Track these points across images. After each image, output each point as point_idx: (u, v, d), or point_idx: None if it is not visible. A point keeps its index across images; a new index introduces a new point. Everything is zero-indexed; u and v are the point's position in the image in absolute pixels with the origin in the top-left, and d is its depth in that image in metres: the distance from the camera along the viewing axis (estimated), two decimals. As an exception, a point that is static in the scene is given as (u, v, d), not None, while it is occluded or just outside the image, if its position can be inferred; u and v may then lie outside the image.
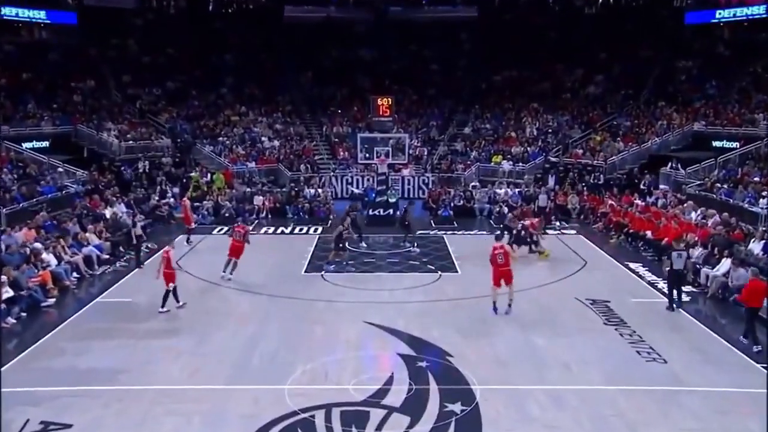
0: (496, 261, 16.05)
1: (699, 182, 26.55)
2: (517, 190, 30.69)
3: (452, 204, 29.52)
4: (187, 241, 23.22)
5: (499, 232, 18.15)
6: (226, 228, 26.34)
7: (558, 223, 26.95)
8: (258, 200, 29.34)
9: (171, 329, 15.06)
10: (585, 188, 30.27)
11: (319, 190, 30.77)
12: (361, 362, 13.40)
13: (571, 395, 11.69)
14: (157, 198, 28.68)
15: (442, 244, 23.72)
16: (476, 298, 16.90)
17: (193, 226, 24.06)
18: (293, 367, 12.84)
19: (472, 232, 26.00)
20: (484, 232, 25.34)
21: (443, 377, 12.46)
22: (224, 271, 18.90)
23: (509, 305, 15.89)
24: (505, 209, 27.85)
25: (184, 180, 31.33)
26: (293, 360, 13.18)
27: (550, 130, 36.87)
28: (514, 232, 21.68)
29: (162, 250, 17.38)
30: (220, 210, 28.51)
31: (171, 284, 16.14)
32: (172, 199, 28.96)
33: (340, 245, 20.14)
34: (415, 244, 22.88)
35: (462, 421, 10.82)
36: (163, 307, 16.06)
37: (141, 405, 11.36)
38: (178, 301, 16.25)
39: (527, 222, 22.48)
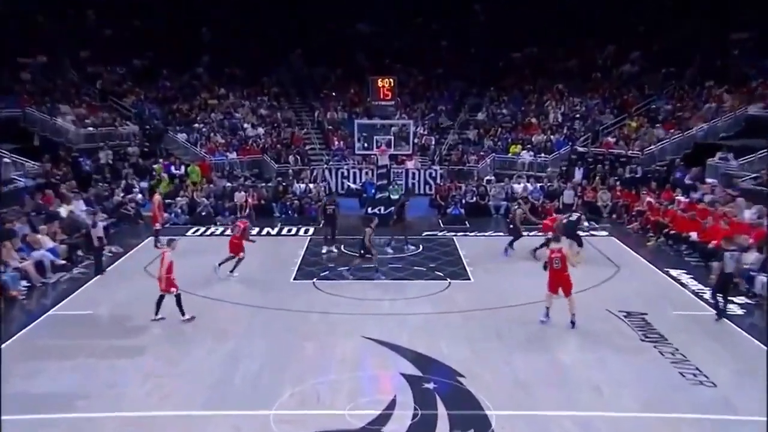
0: (552, 266, 16.09)
1: (754, 175, 26.35)
2: (538, 185, 30.67)
3: (463, 201, 29.47)
4: (156, 244, 23.15)
5: (555, 235, 18.00)
6: (203, 229, 26.29)
7: (586, 224, 26.89)
8: (240, 197, 29.28)
9: (138, 346, 14.94)
10: (618, 182, 30.21)
11: (311, 185, 30.74)
12: (359, 384, 13.33)
13: (602, 423, 11.59)
14: (122, 194, 28.63)
15: (452, 247, 23.65)
16: (491, 310, 16.81)
17: (158, 226, 23.88)
18: (280, 389, 12.75)
19: (486, 234, 25.95)
20: (500, 233, 25.26)
21: (453, 401, 12.39)
22: (231, 271, 19.77)
23: (572, 321, 15.88)
24: (516, 206, 27.79)
25: (154, 173, 31.35)
26: (280, 381, 13.09)
27: (577, 116, 36.82)
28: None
29: (161, 251, 17.44)
30: (195, 208, 28.50)
31: (174, 290, 16.20)
32: (139, 195, 28.94)
33: (363, 251, 20.11)
34: (419, 247, 22.80)
35: None
36: (157, 314, 16.17)
37: None
38: (183, 314, 16.17)
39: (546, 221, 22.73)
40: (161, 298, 16.27)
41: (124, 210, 27.44)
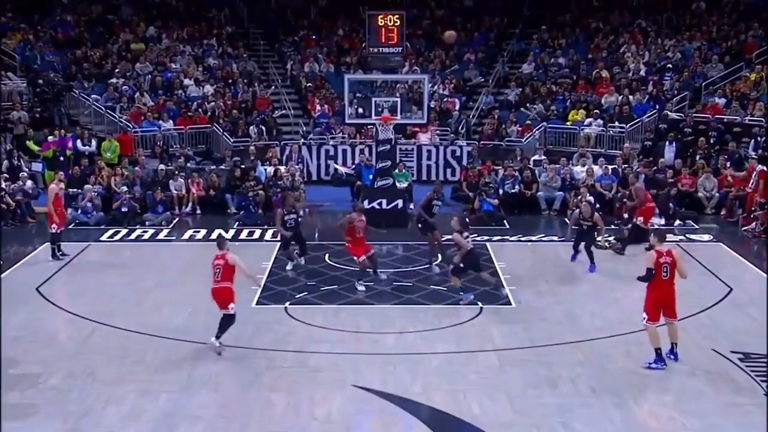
0: (659, 276, 16.12)
1: None
2: (610, 167, 30.63)
3: (501, 191, 29.49)
4: (54, 254, 23.27)
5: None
6: (124, 231, 26.26)
7: (677, 222, 26.94)
8: (178, 185, 29.36)
9: (28, 405, 14.85)
10: (729, 164, 30.18)
11: (281, 168, 30.74)
12: None
13: None
14: (5, 179, 28.69)
15: (485, 257, 23.57)
16: (543, 348, 16.88)
17: (55, 228, 23.61)
18: None
19: (534, 237, 26.06)
20: (555, 238, 25.21)
21: None
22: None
23: (673, 350, 16.24)
24: (588, 199, 27.77)
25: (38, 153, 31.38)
26: None
27: (669, 66, 36.84)
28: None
29: (217, 255, 17.57)
30: (112, 201, 28.50)
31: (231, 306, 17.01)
32: (30, 183, 28.99)
33: (464, 265, 19.88)
34: (439, 262, 22.90)
35: None
36: (218, 338, 16.91)
37: None
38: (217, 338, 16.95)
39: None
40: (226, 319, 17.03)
41: (7, 203, 27.46)
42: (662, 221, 26.63)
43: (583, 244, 22.36)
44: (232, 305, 16.72)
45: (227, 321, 16.77)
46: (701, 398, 15.06)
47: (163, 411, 14.53)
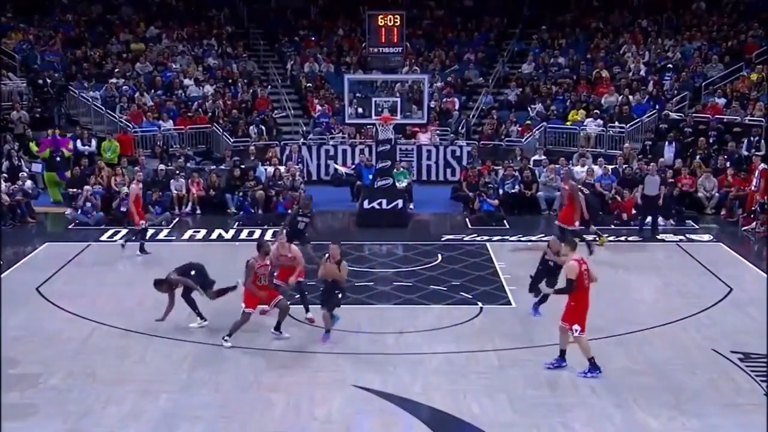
0: (582, 285, 15.96)
1: None
2: (610, 167, 30.66)
3: (501, 191, 29.51)
4: (142, 248, 23.83)
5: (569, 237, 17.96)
6: (124, 231, 26.29)
7: (671, 221, 26.98)
8: (178, 185, 29.39)
9: (28, 405, 14.90)
10: (729, 164, 30.21)
11: (281, 168, 30.75)
12: None
13: None
14: (4, 179, 28.71)
15: (485, 257, 23.79)
16: (543, 348, 16.89)
17: (143, 223, 24.20)
18: None
19: (534, 237, 26.03)
20: (554, 237, 25.28)
21: None
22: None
23: (563, 356, 16.10)
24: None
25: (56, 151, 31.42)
26: None
27: (669, 65, 36.85)
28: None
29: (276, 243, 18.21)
30: (113, 201, 28.53)
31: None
32: (29, 182, 29.05)
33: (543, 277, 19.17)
34: (437, 258, 22.90)
35: None
36: (279, 330, 17.76)
37: None
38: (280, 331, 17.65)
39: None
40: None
41: (9, 203, 27.49)
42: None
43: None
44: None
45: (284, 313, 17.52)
46: (701, 398, 15.09)
47: (163, 411, 14.57)
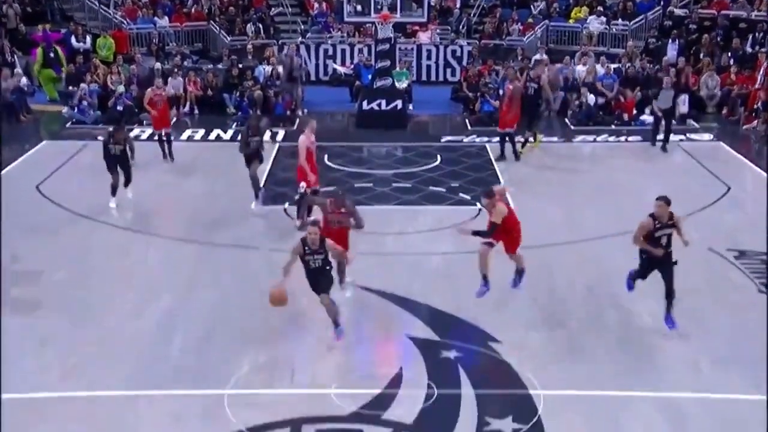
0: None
1: None
2: (612, 66, 30.58)
3: (501, 91, 29.40)
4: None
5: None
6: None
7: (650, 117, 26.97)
8: (175, 84, 29.17)
9: (32, 301, 15.15)
10: (732, 61, 30.11)
11: (278, 68, 30.64)
12: (350, 352, 13.69)
13: (696, 408, 12.02)
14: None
15: (484, 158, 23.88)
16: (540, 248, 17.01)
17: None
18: (237, 361, 13.14)
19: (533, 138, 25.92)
20: (555, 138, 25.35)
21: (484, 376, 12.85)
22: None
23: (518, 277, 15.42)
24: (590, 97, 27.87)
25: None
26: (238, 350, 13.46)
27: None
28: None
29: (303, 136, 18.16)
30: (108, 99, 28.50)
31: (302, 184, 17.74)
32: (24, 80, 29.01)
33: None
34: (437, 159, 22.92)
35: None
36: (299, 217, 17.97)
37: None
38: (300, 217, 17.78)
39: None
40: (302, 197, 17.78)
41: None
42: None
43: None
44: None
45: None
46: (697, 294, 15.27)
47: (163, 310, 14.82)
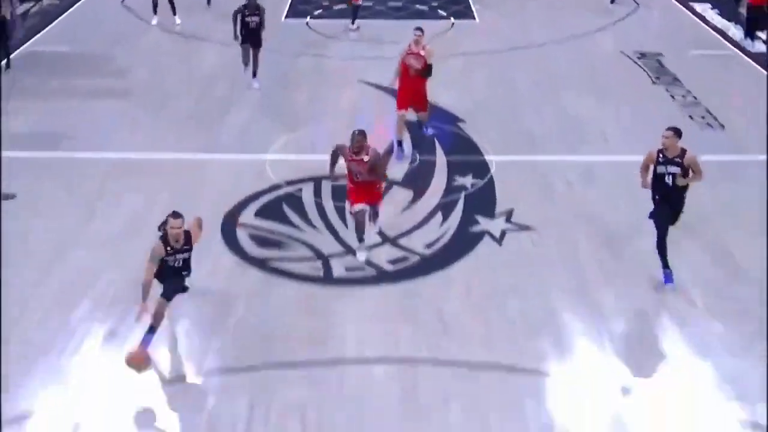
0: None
1: None
2: None
3: None
4: None
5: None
6: None
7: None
8: None
9: (122, 90, 15.79)
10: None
11: None
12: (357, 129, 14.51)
13: (604, 169, 12.83)
14: None
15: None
16: (498, 53, 17.62)
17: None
18: (274, 135, 13.89)
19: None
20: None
21: (453, 147, 13.63)
22: None
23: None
24: None
25: None
26: (274, 128, 14.18)
27: None
28: None
29: None
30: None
31: None
32: None
33: None
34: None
35: (473, 197, 12.07)
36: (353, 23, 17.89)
37: (94, 177, 12.42)
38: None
39: None
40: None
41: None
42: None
43: None
44: None
45: None
46: (608, 86, 16.24)
47: (218, 98, 15.43)
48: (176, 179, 12.44)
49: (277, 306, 9.50)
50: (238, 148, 13.57)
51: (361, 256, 10.27)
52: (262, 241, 10.88)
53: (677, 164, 9.01)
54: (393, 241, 10.93)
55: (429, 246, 10.84)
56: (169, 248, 8.22)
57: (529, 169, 12.89)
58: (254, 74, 15.78)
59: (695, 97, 15.63)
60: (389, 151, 13.07)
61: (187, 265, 8.61)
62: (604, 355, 8.76)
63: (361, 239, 10.30)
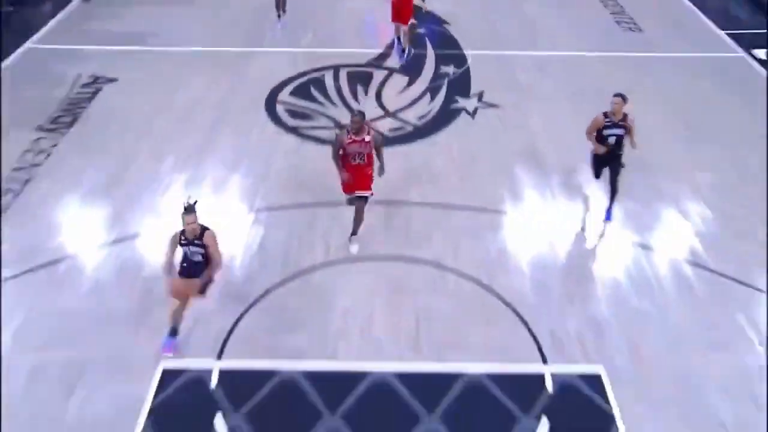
0: None
1: None
2: None
3: None
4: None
5: None
6: None
7: None
8: None
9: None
10: None
11: None
12: (364, 29, 14.13)
13: (555, 62, 12.66)
14: None
15: None
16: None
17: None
18: (304, 32, 13.69)
19: None
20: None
21: (439, 43, 13.42)
22: None
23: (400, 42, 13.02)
24: None
25: None
26: (303, 27, 13.97)
27: None
28: None
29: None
30: None
31: None
32: None
33: None
34: None
35: (454, 82, 11.98)
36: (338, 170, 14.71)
37: (172, 65, 12.30)
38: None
39: None
40: None
41: None
42: None
43: None
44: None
45: None
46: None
47: (258, 5, 14.76)
48: (231, 67, 12.31)
49: (306, 159, 9.61)
50: (276, 43, 13.38)
51: (354, 248, 8.00)
52: (294, 114, 10.86)
53: (621, 126, 8.14)
54: (393, 115, 10.90)
55: (420, 118, 10.82)
56: (183, 238, 6.54)
57: (497, 62, 12.69)
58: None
59: (622, 7, 15.29)
60: (391, 45, 13.02)
61: (205, 264, 6.63)
62: (547, 200, 8.86)
63: (355, 232, 8.04)
